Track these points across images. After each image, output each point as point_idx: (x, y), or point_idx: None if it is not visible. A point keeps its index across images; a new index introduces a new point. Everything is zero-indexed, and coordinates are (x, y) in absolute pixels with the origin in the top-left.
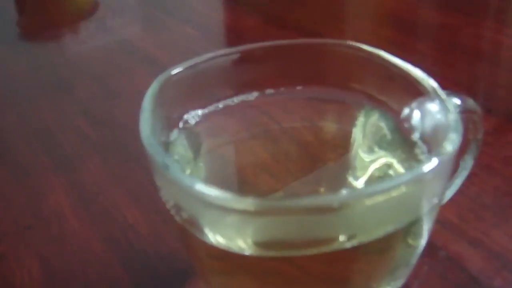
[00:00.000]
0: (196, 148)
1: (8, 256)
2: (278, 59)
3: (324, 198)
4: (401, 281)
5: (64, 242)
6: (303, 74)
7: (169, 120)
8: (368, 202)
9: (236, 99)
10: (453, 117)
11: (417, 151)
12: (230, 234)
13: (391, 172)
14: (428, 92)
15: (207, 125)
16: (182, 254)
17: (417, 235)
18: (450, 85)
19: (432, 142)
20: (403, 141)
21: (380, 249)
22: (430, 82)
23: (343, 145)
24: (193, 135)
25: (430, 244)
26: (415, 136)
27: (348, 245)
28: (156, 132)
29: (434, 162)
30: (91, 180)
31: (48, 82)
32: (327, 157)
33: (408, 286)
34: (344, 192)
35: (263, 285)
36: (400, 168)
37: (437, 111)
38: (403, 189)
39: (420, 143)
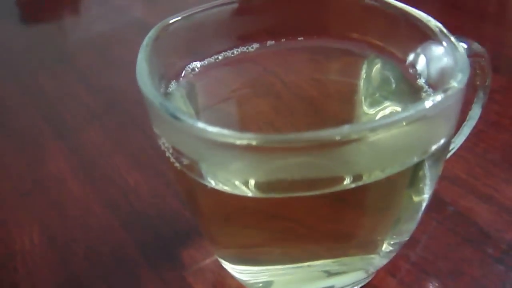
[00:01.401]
0: (195, 102)
1: (8, 222)
2: (278, 9)
3: (326, 132)
4: (406, 236)
5: (64, 207)
6: (304, 25)
7: (167, 71)
8: (371, 136)
9: (236, 51)
10: (461, 55)
11: (423, 95)
12: (232, 175)
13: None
14: (434, 34)
15: (207, 78)
16: (184, 216)
17: (421, 188)
18: None
19: (438, 84)
20: (408, 89)
21: (384, 200)
22: (436, 24)
23: (347, 96)
24: (192, 88)
25: (438, 200)
26: (421, 81)
27: (352, 185)
28: (153, 79)
29: (438, 97)
30: (91, 145)
31: (47, 54)
32: (331, 110)
33: (417, 240)
34: (346, 126)
35: (264, 230)
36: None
37: (443, 53)
38: (406, 124)
39: (426, 86)
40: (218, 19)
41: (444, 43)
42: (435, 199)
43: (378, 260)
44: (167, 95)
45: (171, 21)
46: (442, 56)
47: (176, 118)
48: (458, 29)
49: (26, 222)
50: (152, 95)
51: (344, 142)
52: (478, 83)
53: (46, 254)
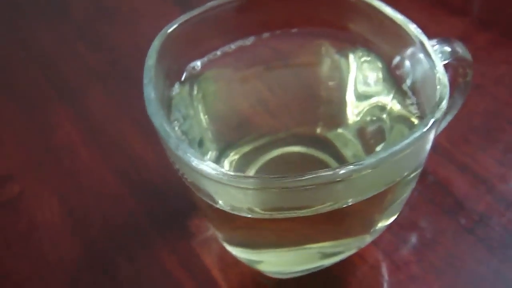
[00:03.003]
0: (197, 94)
1: (27, 194)
2: (273, 3)
3: (326, 175)
4: (398, 213)
5: (78, 177)
6: (299, 17)
7: (169, 75)
8: (370, 172)
9: (233, 45)
10: (440, 81)
11: (408, 101)
12: (233, 202)
13: (384, 115)
14: (416, 45)
15: (207, 71)
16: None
17: (414, 179)
18: None
19: (421, 93)
20: (394, 87)
21: (380, 199)
22: (419, 35)
23: (338, 84)
24: (194, 83)
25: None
26: (405, 85)
27: (349, 203)
28: (159, 92)
29: (428, 130)
30: (97, 110)
31: (43, 5)
32: (322, 96)
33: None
34: (345, 168)
35: (267, 238)
36: (392, 113)
37: (425, 68)
38: (402, 154)
39: (409, 93)
40: (214, 19)
41: (425, 60)
42: None
43: (370, 238)
44: (171, 98)
45: (170, 30)
46: (425, 65)
47: (186, 158)
48: None
49: (44, 193)
50: (159, 124)
51: (333, 182)
52: (460, 79)
53: (66, 225)
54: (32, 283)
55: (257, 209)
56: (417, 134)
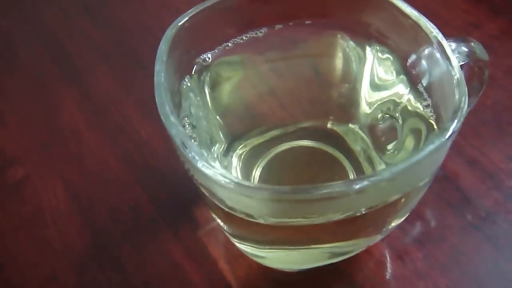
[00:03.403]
0: (207, 86)
1: (33, 177)
2: None
3: (341, 188)
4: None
5: (83, 161)
6: (312, 9)
7: (180, 69)
8: (385, 184)
9: (245, 37)
10: (459, 80)
11: (423, 102)
12: (243, 208)
13: (397, 113)
14: (433, 44)
15: (217, 63)
16: None
17: (430, 182)
18: None
19: (437, 96)
20: (409, 86)
21: (394, 205)
22: (436, 34)
23: (352, 77)
24: (204, 75)
25: None
26: (420, 86)
27: (363, 212)
28: (170, 87)
29: (447, 140)
30: (101, 91)
31: None
32: (335, 89)
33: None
34: (360, 182)
35: (275, 237)
36: (405, 112)
37: (442, 64)
38: (419, 165)
39: (425, 94)
40: (227, 10)
41: (442, 61)
42: None
43: (381, 237)
44: (181, 92)
45: (180, 23)
46: (441, 72)
47: (197, 165)
48: None
49: (49, 177)
50: (170, 126)
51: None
52: (475, 78)
53: (72, 211)
54: (38, 270)
55: (267, 217)
56: (434, 146)
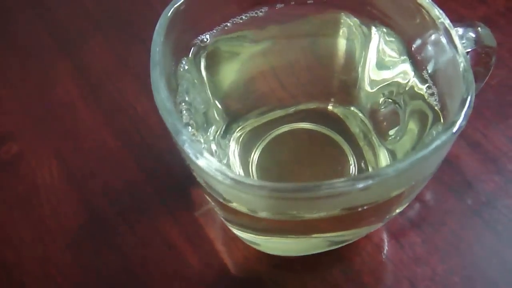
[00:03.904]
0: (205, 67)
1: (27, 154)
2: None
3: (343, 187)
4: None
5: (78, 138)
6: None
7: (177, 51)
8: (389, 181)
9: (245, 16)
10: (466, 70)
11: (428, 90)
12: (240, 202)
13: (400, 98)
14: (440, 30)
15: (216, 43)
16: None
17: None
18: None
19: (442, 84)
20: (414, 71)
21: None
22: (443, 20)
23: (354, 57)
24: (202, 56)
25: None
26: (425, 73)
27: (365, 207)
28: (167, 71)
29: (453, 135)
30: (97, 64)
31: None
32: (337, 70)
33: None
34: (364, 181)
35: (272, 227)
36: (409, 98)
37: (449, 51)
38: (424, 161)
39: (430, 81)
40: None
41: (448, 48)
42: None
43: (382, 224)
44: (178, 75)
45: (176, 4)
46: (447, 59)
47: (193, 158)
48: None
49: (44, 154)
50: (171, 122)
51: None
52: (482, 64)
53: (67, 190)
54: (32, 249)
55: (266, 212)
56: (441, 141)
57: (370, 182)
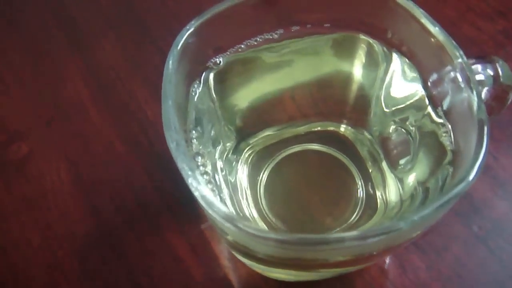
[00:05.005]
0: (217, 86)
1: (36, 154)
2: None
3: (354, 242)
4: None
5: (87, 140)
6: (333, 13)
7: (191, 75)
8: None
9: (259, 38)
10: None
11: (441, 128)
12: (245, 243)
13: (412, 129)
14: (457, 67)
15: (229, 64)
16: None
17: None
18: None
19: (456, 124)
20: (429, 105)
21: None
22: (460, 57)
23: (373, 81)
24: (215, 77)
25: None
26: (440, 110)
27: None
28: (178, 96)
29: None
30: (108, 63)
31: None
32: (353, 92)
33: None
34: (376, 236)
35: (279, 264)
36: (422, 131)
37: (465, 91)
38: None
39: (444, 119)
40: (239, 13)
41: (465, 88)
42: None
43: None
44: (188, 99)
45: (191, 29)
46: (462, 99)
47: (208, 208)
48: None
49: (53, 156)
50: (181, 161)
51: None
52: (497, 99)
53: (74, 195)
54: (39, 254)
55: (271, 255)
56: (453, 194)
57: (382, 237)
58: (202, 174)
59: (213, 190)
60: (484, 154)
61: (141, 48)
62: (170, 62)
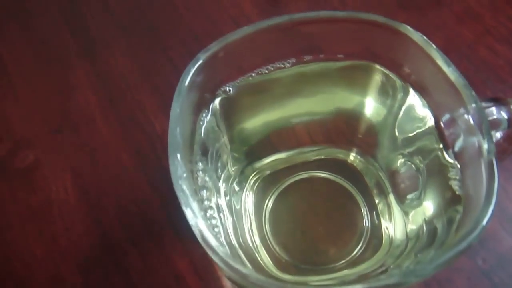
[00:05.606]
0: (225, 113)
1: (43, 163)
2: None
3: None
4: None
5: (95, 152)
6: (347, 46)
7: (199, 104)
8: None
9: (271, 67)
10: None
11: (451, 171)
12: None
13: (422, 166)
14: (470, 112)
15: (240, 91)
16: None
17: None
18: None
19: (466, 169)
20: (440, 145)
21: None
22: (474, 101)
23: (386, 112)
24: (224, 104)
25: None
26: (451, 152)
27: None
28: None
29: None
30: (118, 71)
31: None
32: (364, 121)
33: None
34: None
35: None
36: (430, 170)
37: (477, 137)
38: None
39: (454, 162)
40: (250, 43)
41: (477, 133)
42: None
43: None
44: (196, 129)
45: (201, 61)
46: (474, 144)
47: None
48: None
49: (59, 166)
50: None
51: None
52: (509, 140)
53: (80, 207)
54: (43, 267)
55: None
56: (462, 247)
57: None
58: (205, 210)
59: (215, 226)
60: (495, 201)
61: (150, 56)
62: (178, 95)
